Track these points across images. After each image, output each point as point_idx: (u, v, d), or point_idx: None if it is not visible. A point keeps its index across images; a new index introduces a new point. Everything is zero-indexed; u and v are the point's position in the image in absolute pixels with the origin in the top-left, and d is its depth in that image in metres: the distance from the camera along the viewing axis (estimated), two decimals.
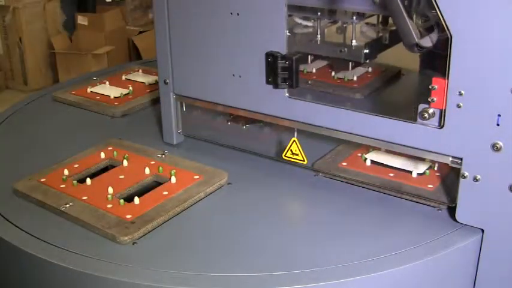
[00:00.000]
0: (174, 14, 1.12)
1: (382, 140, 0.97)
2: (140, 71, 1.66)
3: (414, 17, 0.95)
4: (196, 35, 1.11)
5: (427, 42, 0.92)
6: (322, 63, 1.34)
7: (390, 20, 1.13)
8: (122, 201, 0.99)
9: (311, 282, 0.81)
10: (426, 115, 0.90)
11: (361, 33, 1.16)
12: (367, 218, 0.96)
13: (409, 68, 1.30)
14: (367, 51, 1.09)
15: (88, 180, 1.06)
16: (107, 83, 1.57)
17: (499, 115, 0.83)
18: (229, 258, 0.87)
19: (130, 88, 1.52)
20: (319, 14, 1.11)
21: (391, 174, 1.03)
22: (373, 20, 1.19)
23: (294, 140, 1.07)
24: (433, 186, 0.99)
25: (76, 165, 1.12)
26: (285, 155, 1.08)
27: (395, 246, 0.87)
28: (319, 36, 1.15)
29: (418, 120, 0.91)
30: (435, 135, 0.90)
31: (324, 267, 0.84)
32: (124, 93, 1.49)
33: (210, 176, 1.07)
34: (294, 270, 0.83)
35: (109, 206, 0.98)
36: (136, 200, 0.99)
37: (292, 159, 1.08)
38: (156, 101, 1.38)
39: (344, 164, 1.08)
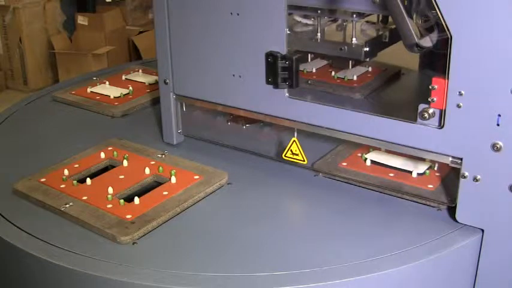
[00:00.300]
0: (174, 14, 1.12)
1: (382, 140, 0.97)
2: (140, 71, 1.65)
3: (414, 17, 0.95)
4: (196, 35, 1.11)
5: (427, 42, 0.92)
6: (322, 63, 1.34)
7: (390, 18, 1.13)
8: (122, 201, 0.99)
9: (311, 282, 0.81)
10: (426, 115, 0.90)
11: (361, 31, 1.16)
12: (367, 218, 0.96)
13: (409, 67, 1.31)
14: (367, 49, 1.09)
15: (88, 180, 1.06)
16: (107, 83, 1.57)
17: (499, 115, 0.83)
18: (229, 258, 0.87)
19: (131, 88, 1.51)
20: (319, 12, 1.11)
21: (391, 174, 1.03)
22: (374, 18, 1.19)
23: (294, 140, 1.07)
24: (433, 186, 0.99)
25: (76, 165, 1.12)
26: (285, 155, 1.08)
27: (395, 246, 0.87)
28: (319, 34, 1.15)
29: (418, 120, 0.91)
30: (435, 135, 0.90)
31: (324, 267, 0.84)
32: (124, 93, 1.49)
33: (210, 176, 1.07)
34: (294, 270, 0.83)
35: (109, 206, 0.98)
36: (136, 200, 0.99)
37: (292, 159, 1.08)
38: (156, 101, 1.38)
39: (344, 164, 1.08)
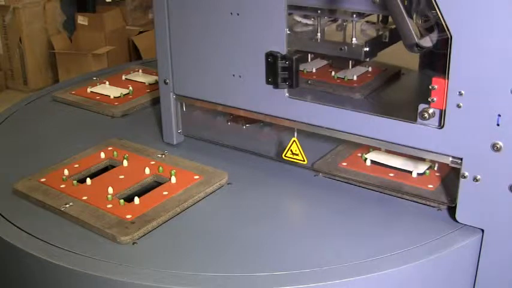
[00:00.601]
0: (174, 14, 1.12)
1: (382, 140, 0.97)
2: (140, 71, 1.65)
3: (414, 17, 0.95)
4: (196, 35, 1.11)
5: (427, 42, 0.92)
6: (322, 63, 1.34)
7: (390, 18, 1.13)
8: (122, 201, 0.99)
9: (311, 282, 0.81)
10: (426, 115, 0.90)
11: (361, 31, 1.16)
12: (367, 218, 0.96)
13: (409, 67, 1.31)
14: (367, 49, 1.09)
15: (88, 180, 1.06)
16: (107, 83, 1.57)
17: (499, 115, 0.83)
18: (229, 258, 0.87)
19: (131, 88, 1.51)
20: (319, 12, 1.11)
21: (391, 174, 1.03)
22: (374, 18, 1.19)
23: (294, 140, 1.07)
24: (433, 186, 0.99)
25: (76, 165, 1.12)
26: (285, 155, 1.08)
27: (395, 246, 0.87)
28: (319, 34, 1.15)
29: (418, 120, 0.91)
30: (435, 135, 0.90)
31: (324, 267, 0.84)
32: (124, 93, 1.49)
33: (210, 176, 1.07)
34: (294, 270, 0.83)
35: (109, 206, 0.98)
36: (136, 200, 0.99)
37: (292, 159, 1.08)
38: (156, 101, 1.38)
39: (344, 164, 1.08)
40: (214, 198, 1.04)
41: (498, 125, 0.84)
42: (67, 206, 0.99)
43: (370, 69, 1.31)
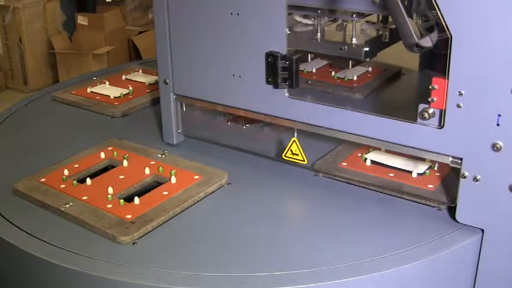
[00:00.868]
0: (174, 14, 1.12)
1: (382, 140, 0.97)
2: (140, 71, 1.65)
3: (414, 17, 0.95)
4: (196, 35, 1.11)
5: (427, 42, 0.92)
6: (322, 63, 1.34)
7: (390, 18, 1.13)
8: (122, 201, 0.99)
9: (311, 282, 0.81)
10: (426, 115, 0.90)
11: (361, 31, 1.16)
12: (367, 218, 0.96)
13: (409, 67, 1.31)
14: (367, 49, 1.09)
15: (88, 180, 1.06)
16: (107, 83, 1.57)
17: (499, 115, 0.83)
18: (229, 258, 0.87)
19: (131, 88, 1.51)
20: (319, 12, 1.11)
21: (391, 174, 1.03)
22: (374, 18, 1.19)
23: (294, 140, 1.07)
24: (433, 186, 0.99)
25: (76, 165, 1.12)
26: (285, 155, 1.08)
27: (395, 246, 0.87)
28: (319, 34, 1.15)
29: (418, 120, 0.91)
30: (435, 135, 0.90)
31: (324, 267, 0.84)
32: (124, 93, 1.49)
33: (210, 176, 1.07)
34: (294, 270, 0.83)
35: (109, 206, 0.98)
36: (137, 200, 0.99)
37: (292, 159, 1.08)
38: (156, 101, 1.38)
39: (344, 164, 1.08)
40: (214, 198, 1.04)
41: (498, 125, 0.84)
42: (67, 206, 0.99)
43: (370, 69, 1.31)
